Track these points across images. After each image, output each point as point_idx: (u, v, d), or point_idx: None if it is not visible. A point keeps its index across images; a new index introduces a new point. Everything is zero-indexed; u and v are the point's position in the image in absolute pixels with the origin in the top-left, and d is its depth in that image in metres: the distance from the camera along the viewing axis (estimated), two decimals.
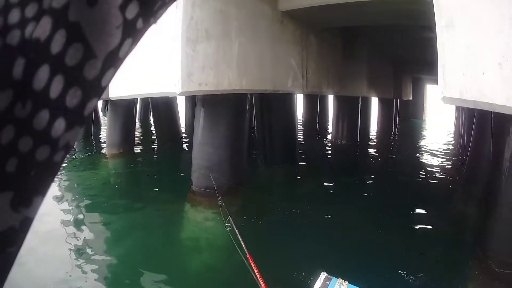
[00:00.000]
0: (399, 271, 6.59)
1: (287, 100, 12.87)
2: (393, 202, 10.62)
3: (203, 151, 9.75)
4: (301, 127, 26.39)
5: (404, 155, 19.12)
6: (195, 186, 9.83)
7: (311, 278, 3.17)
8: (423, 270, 6.58)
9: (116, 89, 10.73)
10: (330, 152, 19.52)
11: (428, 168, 14.92)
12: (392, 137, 24.53)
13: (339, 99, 19.11)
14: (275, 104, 12.82)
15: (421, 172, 14.41)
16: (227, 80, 8.39)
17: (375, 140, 22.66)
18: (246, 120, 10.69)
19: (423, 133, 27.65)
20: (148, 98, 20.51)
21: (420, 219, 9.34)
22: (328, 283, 2.92)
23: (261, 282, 3.81)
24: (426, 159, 17.09)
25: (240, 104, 10.00)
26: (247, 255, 4.40)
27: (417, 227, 8.79)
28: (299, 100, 26.02)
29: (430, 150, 19.34)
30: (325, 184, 12.90)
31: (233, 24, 8.47)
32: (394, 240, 7.94)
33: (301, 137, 23.73)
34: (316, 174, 14.13)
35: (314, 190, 12.15)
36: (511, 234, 5.62)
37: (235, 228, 4.87)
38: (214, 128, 9.57)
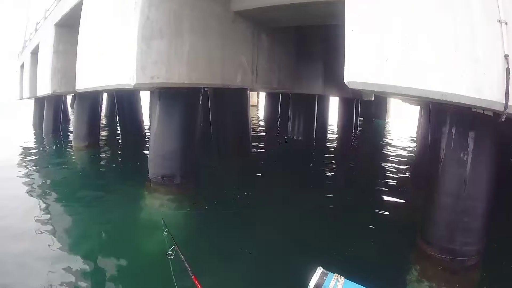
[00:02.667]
0: (343, 258, 6.87)
1: (240, 96, 13.44)
2: (339, 193, 11.25)
3: (158, 141, 10.31)
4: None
5: (361, 152, 19.74)
6: (151, 174, 10.39)
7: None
8: (366, 257, 6.83)
9: (81, 81, 11.20)
10: (284, 146, 20.08)
11: (383, 164, 15.35)
12: (352, 136, 24.79)
13: (295, 97, 19.66)
14: (228, 100, 13.48)
15: (374, 168, 14.91)
16: (178, 74, 8.96)
17: (333, 138, 23.03)
18: (199, 113, 11.17)
19: (384, 133, 27.75)
20: (113, 94, 21.20)
21: (366, 210, 9.63)
22: (324, 278, 2.87)
23: None
24: (382, 156, 17.40)
25: (192, 98, 10.54)
26: (193, 277, 4.30)
27: (363, 218, 9.04)
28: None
29: (389, 148, 19.73)
30: (272, 174, 13.77)
31: (186, 24, 9.04)
32: (337, 228, 8.46)
33: (262, 134, 24.61)
34: (265, 166, 14.94)
35: (260, 179, 13.02)
36: (448, 220, 5.91)
37: (181, 254, 4.67)
38: (168, 119, 10.12)
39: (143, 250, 7.31)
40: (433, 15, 4.48)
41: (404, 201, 10.35)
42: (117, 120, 20.94)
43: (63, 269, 6.52)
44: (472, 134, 5.53)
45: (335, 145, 20.81)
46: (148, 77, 8.26)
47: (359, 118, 28.48)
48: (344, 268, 6.37)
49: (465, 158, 5.60)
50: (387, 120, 33.36)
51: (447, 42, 4.38)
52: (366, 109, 31.40)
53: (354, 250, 7.23)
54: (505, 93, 4.02)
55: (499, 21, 4.14)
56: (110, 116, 29.73)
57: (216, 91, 13.63)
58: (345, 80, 5.02)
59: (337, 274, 2.92)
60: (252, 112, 38.03)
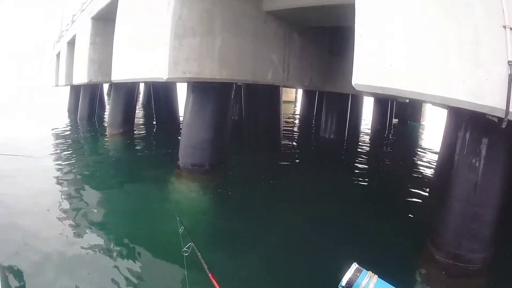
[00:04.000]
0: (353, 250, 6.74)
1: (272, 92, 13.78)
2: (361, 192, 11.40)
3: (189, 131, 10.84)
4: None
5: (392, 154, 19.44)
6: (181, 163, 10.92)
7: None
8: (376, 252, 6.73)
9: (117, 73, 11.71)
10: (315, 143, 20.18)
11: (412, 168, 15.16)
12: (385, 137, 24.37)
13: (328, 95, 19.54)
14: (261, 95, 13.83)
15: (403, 170, 14.81)
16: (209, 70, 9.32)
17: (366, 138, 22.82)
18: (230, 106, 11.57)
19: (418, 135, 27.17)
20: (150, 84, 21.74)
21: (385, 209, 9.57)
22: (358, 274, 2.76)
23: None
24: (413, 159, 17.26)
25: (224, 92, 10.99)
26: (210, 275, 4.22)
27: (380, 216, 9.01)
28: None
29: (421, 151, 19.43)
30: (303, 168, 14.03)
31: (218, 22, 9.38)
32: (354, 223, 8.44)
33: (296, 131, 24.72)
34: (294, 162, 15.07)
35: (289, 172, 13.17)
36: (456, 225, 5.93)
37: (197, 251, 4.59)
38: (200, 111, 10.63)
39: (162, 237, 7.53)
40: (436, 21, 4.54)
41: (423, 204, 10.29)
42: (153, 109, 21.31)
43: (82, 249, 6.93)
44: (485, 140, 5.53)
45: (366, 145, 20.62)
46: (180, 72, 8.71)
47: (393, 119, 27.92)
48: (351, 259, 6.71)
49: (477, 164, 5.61)
50: (422, 123, 32.52)
51: (449, 48, 4.42)
52: (401, 111, 30.59)
53: (364, 245, 7.29)
54: (507, 99, 4.04)
55: (503, 26, 4.14)
56: (146, 105, 30.25)
57: (249, 86, 13.98)
58: (353, 82, 5.13)
59: (370, 272, 2.83)
60: (289, 108, 38.51)
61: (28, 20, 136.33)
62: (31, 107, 21.10)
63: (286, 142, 18.38)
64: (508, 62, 4.04)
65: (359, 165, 15.20)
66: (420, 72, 4.61)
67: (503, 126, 4.17)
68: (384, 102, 25.44)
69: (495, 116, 4.52)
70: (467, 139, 5.81)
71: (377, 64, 4.90)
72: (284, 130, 20.79)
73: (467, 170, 5.74)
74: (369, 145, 21.16)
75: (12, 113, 18.40)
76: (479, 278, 5.96)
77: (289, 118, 31.63)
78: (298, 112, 34.24)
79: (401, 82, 4.74)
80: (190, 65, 8.90)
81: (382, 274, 2.73)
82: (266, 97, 14.03)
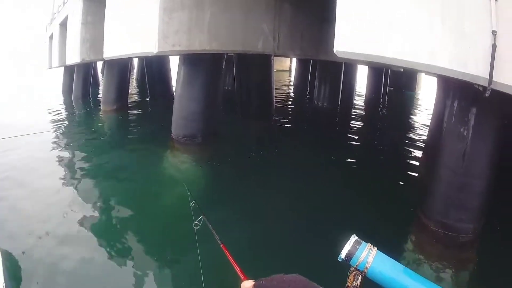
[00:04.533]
0: (345, 219, 7.06)
1: (263, 62, 13.90)
2: (355, 158, 11.53)
3: (181, 103, 11.01)
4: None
5: (386, 122, 19.43)
6: (174, 135, 11.15)
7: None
8: (367, 221, 6.87)
9: (109, 50, 11.84)
10: (309, 112, 20.30)
11: (405, 137, 15.20)
12: (379, 105, 24.39)
13: (321, 64, 19.70)
14: (252, 65, 13.99)
15: (395, 139, 14.65)
16: (198, 42, 9.34)
17: (359, 107, 22.83)
18: (221, 78, 11.72)
19: (413, 104, 27.10)
20: (143, 59, 21.70)
21: (377, 178, 9.70)
22: (357, 246, 2.69)
23: (238, 270, 3.38)
24: (407, 129, 17.07)
25: (215, 63, 11.09)
26: (221, 245, 4.10)
27: (372, 185, 9.17)
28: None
29: (415, 120, 19.49)
30: (294, 136, 14.24)
31: None
32: (346, 191, 8.68)
33: (290, 99, 24.85)
34: (286, 129, 15.42)
35: (280, 141, 13.33)
36: (447, 195, 5.95)
37: (209, 224, 4.52)
38: (191, 83, 10.77)
39: (164, 207, 7.76)
40: None
41: (415, 174, 10.30)
42: (147, 84, 21.41)
43: (84, 226, 7.04)
44: (473, 110, 5.51)
45: (360, 114, 20.58)
46: (169, 45, 8.73)
47: (387, 88, 27.67)
48: (344, 228, 6.83)
49: (465, 133, 5.60)
50: (417, 92, 32.48)
51: (434, 15, 4.42)
52: (396, 80, 30.40)
53: (357, 214, 7.44)
54: (490, 68, 3.99)
55: None
56: (140, 80, 30.08)
57: (240, 56, 14.11)
58: (334, 49, 5.13)
59: (370, 244, 2.76)
60: (283, 77, 38.36)
61: (28, 20, 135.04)
62: (31, 108, 21.14)
63: (279, 111, 18.38)
64: (492, 32, 4.01)
65: (351, 135, 15.30)
66: (404, 40, 4.62)
67: (487, 95, 4.15)
68: (378, 71, 25.36)
69: (480, 85, 4.42)
70: (455, 108, 5.80)
71: (360, 30, 4.91)
72: (277, 99, 20.90)
73: (455, 140, 5.75)
74: (362, 113, 21.17)
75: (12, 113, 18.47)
76: (469, 248, 6.01)
77: (283, 87, 31.57)
78: (292, 81, 34.06)
79: (385, 50, 4.75)
80: (179, 38, 8.92)
81: (374, 242, 2.76)
82: (258, 66, 14.14)
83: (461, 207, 5.82)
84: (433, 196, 6.25)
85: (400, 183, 9.47)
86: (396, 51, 4.67)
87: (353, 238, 2.83)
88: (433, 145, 7.21)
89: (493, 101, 5.03)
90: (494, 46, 3.97)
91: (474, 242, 5.99)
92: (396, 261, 2.67)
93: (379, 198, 8.32)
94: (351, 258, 2.69)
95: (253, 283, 1.91)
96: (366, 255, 2.68)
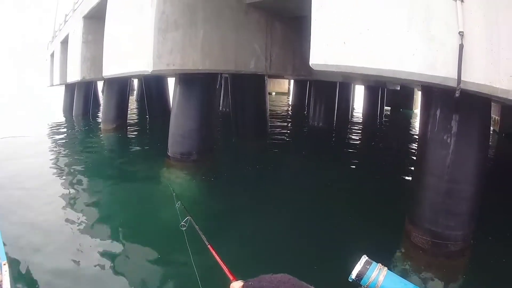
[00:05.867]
0: (337, 230, 7.23)
1: (257, 81, 14.18)
2: (346, 174, 11.76)
3: (176, 121, 11.29)
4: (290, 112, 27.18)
5: (381, 141, 19.46)
6: (170, 152, 11.39)
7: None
8: (358, 232, 7.07)
9: (107, 69, 12.12)
10: (305, 131, 20.54)
11: (400, 153, 15.32)
12: (376, 124, 24.48)
13: (316, 84, 19.96)
14: (246, 85, 14.22)
15: (391, 156, 14.86)
16: (192, 61, 9.65)
17: (356, 126, 22.98)
18: (215, 96, 12.12)
19: (410, 122, 26.78)
20: (142, 79, 22.11)
21: (370, 192, 9.72)
22: (368, 267, 2.67)
23: (226, 271, 3.39)
24: (402, 146, 17.10)
25: (209, 83, 11.42)
26: (209, 246, 4.12)
27: (364, 199, 9.21)
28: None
29: (411, 138, 19.36)
30: (288, 156, 14.43)
31: (200, 15, 9.68)
32: (339, 204, 8.80)
33: (288, 120, 25.10)
34: (281, 148, 15.56)
35: (274, 159, 13.49)
36: (434, 201, 5.89)
37: (196, 225, 4.56)
38: (186, 101, 11.11)
39: (158, 220, 7.79)
40: None
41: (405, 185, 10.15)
42: (146, 104, 21.82)
43: (82, 235, 7.15)
44: (456, 117, 5.54)
45: (356, 133, 20.84)
46: (164, 64, 9.07)
47: (384, 107, 27.99)
48: (336, 238, 6.80)
49: (448, 140, 5.63)
50: (414, 110, 32.49)
51: (400, 22, 4.53)
52: (393, 99, 30.58)
53: (348, 225, 7.61)
54: (458, 68, 4.08)
55: None
56: (140, 100, 30.52)
57: (235, 76, 14.36)
58: (310, 63, 5.31)
59: (380, 264, 2.73)
60: (282, 99, 38.66)
61: (27, 20, 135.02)
62: (30, 107, 21.47)
63: (275, 131, 18.82)
64: (459, 33, 4.12)
65: (347, 152, 15.63)
66: (372, 48, 4.73)
67: (457, 95, 4.27)
68: (375, 90, 25.60)
69: (442, 86, 4.60)
70: (437, 116, 5.84)
71: (332, 43, 5.07)
72: (275, 120, 21.25)
73: (439, 147, 5.78)
74: (359, 132, 21.44)
75: (12, 113, 18.80)
76: (459, 255, 5.99)
77: (282, 108, 31.89)
78: (291, 102, 34.41)
79: (355, 59, 4.88)
80: (173, 57, 9.25)
81: (364, 251, 2.78)
82: (252, 86, 14.41)
83: (448, 214, 5.82)
84: (421, 203, 6.22)
85: (393, 193, 9.59)
86: (366, 60, 4.80)
87: (364, 258, 2.83)
88: (420, 154, 7.30)
89: (475, 106, 5.22)
90: (461, 47, 4.10)
91: (464, 249, 5.97)
92: (406, 281, 2.71)
93: (371, 209, 8.41)
94: (361, 278, 2.71)
95: (242, 284, 1.94)
96: (377, 275, 2.69)
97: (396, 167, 12.30)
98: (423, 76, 4.43)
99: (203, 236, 4.40)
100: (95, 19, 16.78)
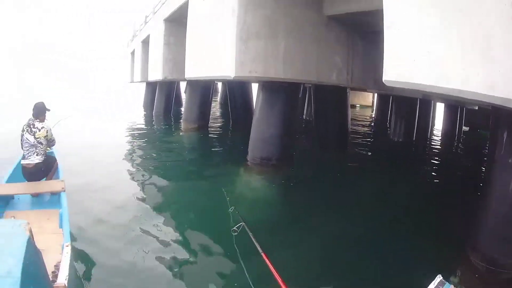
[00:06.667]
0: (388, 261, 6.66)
1: (339, 93, 14.28)
2: (419, 190, 11.53)
3: (258, 127, 11.66)
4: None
5: (457, 162, 18.81)
6: (250, 157, 11.79)
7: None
8: (410, 263, 6.47)
9: (190, 71, 12.78)
10: (384, 146, 20.09)
11: (470, 173, 14.90)
12: (454, 144, 24.01)
13: (397, 99, 20.06)
14: (329, 96, 14.33)
15: (464, 178, 14.43)
16: (274, 70, 10.03)
17: (434, 144, 22.69)
18: (297, 105, 12.33)
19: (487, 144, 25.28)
20: (226, 84, 22.77)
21: (439, 211, 9.32)
22: (441, 287, 2.70)
23: (280, 282, 3.50)
24: (472, 166, 16.79)
25: (292, 91, 11.75)
26: (262, 254, 4.20)
27: (434, 217, 8.82)
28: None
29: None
30: (365, 167, 14.37)
31: (280, 27, 10.06)
32: (410, 223, 8.38)
33: (369, 133, 25.03)
34: (360, 160, 15.64)
35: (353, 172, 13.44)
36: (500, 230, 5.60)
37: (249, 231, 4.67)
38: (269, 108, 11.44)
39: (216, 223, 7.73)
40: (450, 16, 4.60)
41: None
42: (229, 107, 22.24)
43: (145, 225, 7.48)
44: None
45: (433, 151, 20.45)
46: (246, 71, 9.60)
47: (463, 127, 27.30)
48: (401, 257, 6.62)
49: None
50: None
51: (464, 42, 4.41)
52: (472, 118, 29.60)
53: (414, 245, 7.20)
54: None
55: None
56: (224, 104, 30.93)
57: (318, 88, 14.62)
58: (383, 79, 5.38)
59: (453, 286, 2.77)
60: (366, 112, 38.27)
61: (28, 20, 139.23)
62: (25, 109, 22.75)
63: (356, 143, 18.91)
64: None
65: (422, 170, 15.37)
66: (439, 67, 4.70)
67: None
68: (454, 109, 25.11)
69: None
70: (504, 138, 5.67)
71: (402, 60, 5.16)
72: (357, 132, 21.17)
73: (504, 171, 5.61)
74: (436, 150, 21.08)
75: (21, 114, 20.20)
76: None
77: (364, 121, 31.69)
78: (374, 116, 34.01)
79: (423, 77, 4.90)
80: (256, 66, 9.72)
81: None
82: (334, 98, 14.53)
83: (507, 240, 5.51)
84: (480, 227, 6.01)
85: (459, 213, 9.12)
86: (433, 78, 4.77)
87: (438, 278, 2.87)
88: (486, 176, 7.00)
89: None
90: None
91: None
92: None
93: (436, 232, 8.02)
94: None
95: None
96: None
97: (466, 187, 12.02)
98: (485, 97, 4.30)
99: (256, 243, 4.54)
100: (176, 23, 17.73)
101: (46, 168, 7.07)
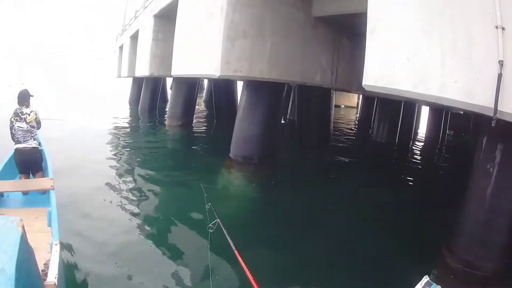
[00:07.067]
0: (380, 247, 7.07)
1: (323, 94, 14.42)
2: (398, 193, 11.53)
3: (241, 126, 11.78)
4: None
5: (439, 166, 19.02)
6: (232, 154, 11.88)
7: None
8: (387, 262, 6.70)
9: (176, 68, 12.87)
10: (366, 146, 20.71)
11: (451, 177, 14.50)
12: (437, 147, 23.90)
13: (381, 101, 20.29)
14: (312, 96, 14.52)
15: (445, 179, 14.58)
16: (259, 70, 10.12)
17: (417, 147, 22.81)
18: (281, 105, 12.49)
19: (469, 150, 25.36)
20: (212, 81, 22.82)
21: (417, 213, 9.39)
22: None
23: (252, 280, 3.56)
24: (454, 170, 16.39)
25: (275, 91, 11.82)
26: (235, 251, 4.27)
27: (411, 221, 8.87)
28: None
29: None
30: (347, 168, 14.48)
31: (267, 27, 10.14)
32: (386, 224, 8.41)
33: (352, 134, 25.20)
34: (341, 159, 15.64)
35: (333, 170, 13.70)
36: (476, 233, 5.77)
37: (224, 228, 4.75)
38: (252, 107, 11.57)
39: (192, 220, 7.80)
40: (433, 23, 4.74)
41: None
42: (213, 105, 22.47)
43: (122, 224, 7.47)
44: (500, 146, 5.51)
45: (415, 154, 20.65)
46: (231, 71, 9.66)
47: (447, 130, 27.44)
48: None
49: (491, 170, 5.60)
50: None
51: (445, 49, 4.57)
52: (456, 123, 29.79)
53: (388, 249, 7.34)
54: (495, 98, 4.00)
55: (496, 26, 4.10)
56: (209, 101, 31.00)
57: (301, 88, 14.77)
58: (363, 83, 5.60)
59: (440, 286, 2.79)
60: (351, 113, 38.51)
61: (27, 20, 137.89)
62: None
63: (338, 142, 19.09)
64: (498, 62, 4.03)
65: (401, 172, 15.49)
66: (417, 73, 4.88)
67: (493, 125, 4.16)
68: (438, 112, 25.19)
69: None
70: (483, 144, 5.85)
71: (382, 65, 5.33)
72: (340, 132, 21.35)
73: (482, 176, 5.78)
74: (418, 153, 21.27)
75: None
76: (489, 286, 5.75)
77: (348, 122, 31.91)
78: (358, 117, 34.27)
79: (402, 83, 5.07)
80: (241, 65, 9.79)
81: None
82: (317, 98, 14.70)
83: (483, 244, 5.73)
84: (458, 230, 6.18)
85: (438, 216, 9.19)
86: (412, 84, 4.95)
87: (425, 279, 2.91)
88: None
89: None
90: (500, 76, 4.01)
91: (491, 280, 5.72)
92: None
93: (412, 233, 8.16)
94: None
95: None
96: None
97: (445, 191, 12.14)
98: (463, 104, 4.45)
99: (230, 241, 4.60)
100: (165, 19, 17.72)
101: (39, 159, 7.15)
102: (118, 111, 25.25)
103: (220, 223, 5.03)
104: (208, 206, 5.66)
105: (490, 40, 4.15)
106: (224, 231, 4.84)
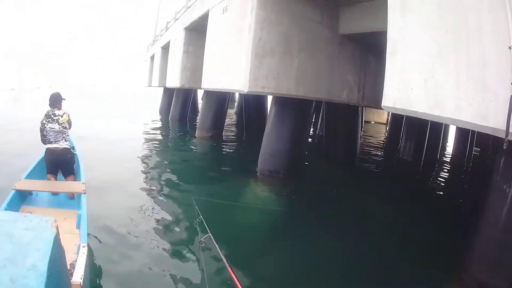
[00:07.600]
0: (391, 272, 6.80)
1: (351, 111, 14.62)
2: (416, 214, 10.99)
3: (269, 140, 12.03)
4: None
5: (462, 182, 18.83)
6: (259, 168, 12.16)
7: None
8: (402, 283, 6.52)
9: (206, 81, 13.37)
10: (392, 164, 20.52)
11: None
12: (463, 165, 23.79)
13: (408, 119, 20.25)
14: (340, 113, 14.74)
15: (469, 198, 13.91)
16: (286, 87, 10.42)
17: (443, 164, 22.66)
18: (308, 121, 12.78)
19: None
20: (243, 95, 23.13)
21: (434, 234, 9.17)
22: None
23: None
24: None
25: (303, 108, 12.08)
26: (228, 269, 4.18)
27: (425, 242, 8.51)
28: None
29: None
30: (371, 186, 14.18)
31: (295, 44, 10.44)
32: (403, 248, 8.11)
33: (380, 151, 25.24)
34: (366, 176, 15.74)
35: (358, 187, 13.40)
36: (491, 254, 5.63)
37: (216, 243, 4.64)
38: (280, 123, 11.83)
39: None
40: (448, 46, 4.81)
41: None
42: (243, 118, 22.73)
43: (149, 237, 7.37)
44: None
45: (441, 172, 20.39)
46: (259, 87, 10.01)
47: (473, 148, 26.84)
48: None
49: (507, 190, 5.40)
50: None
51: (460, 71, 4.62)
52: (483, 140, 29.37)
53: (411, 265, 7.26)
54: (507, 120, 3.97)
55: (509, 47, 4.06)
56: (239, 114, 31.27)
57: (329, 104, 14.98)
58: (382, 105, 5.84)
59: None
60: (380, 129, 38.23)
61: (27, 20, 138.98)
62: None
63: (365, 159, 19.13)
64: (511, 83, 4.01)
65: (427, 189, 15.42)
66: (433, 95, 4.98)
67: (504, 147, 4.23)
68: (464, 130, 24.67)
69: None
70: (500, 164, 5.64)
71: (401, 87, 5.52)
72: (368, 149, 21.31)
73: (498, 196, 5.65)
74: (445, 171, 21.07)
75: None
76: None
77: (377, 138, 31.88)
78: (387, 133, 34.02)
79: (417, 105, 5.20)
80: (269, 82, 10.12)
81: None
82: (345, 115, 14.89)
83: (497, 265, 5.57)
84: (472, 250, 6.09)
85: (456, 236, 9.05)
86: (428, 106, 5.04)
87: None
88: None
89: None
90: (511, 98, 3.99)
91: None
92: None
93: (430, 252, 7.90)
94: None
95: None
96: None
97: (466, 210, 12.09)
98: (477, 126, 4.47)
99: (223, 256, 4.58)
100: (196, 32, 18.25)
101: (70, 160, 7.36)
102: (149, 119, 25.78)
103: (211, 237, 4.95)
104: (199, 219, 5.62)
105: (503, 61, 4.14)
106: (216, 245, 4.79)
